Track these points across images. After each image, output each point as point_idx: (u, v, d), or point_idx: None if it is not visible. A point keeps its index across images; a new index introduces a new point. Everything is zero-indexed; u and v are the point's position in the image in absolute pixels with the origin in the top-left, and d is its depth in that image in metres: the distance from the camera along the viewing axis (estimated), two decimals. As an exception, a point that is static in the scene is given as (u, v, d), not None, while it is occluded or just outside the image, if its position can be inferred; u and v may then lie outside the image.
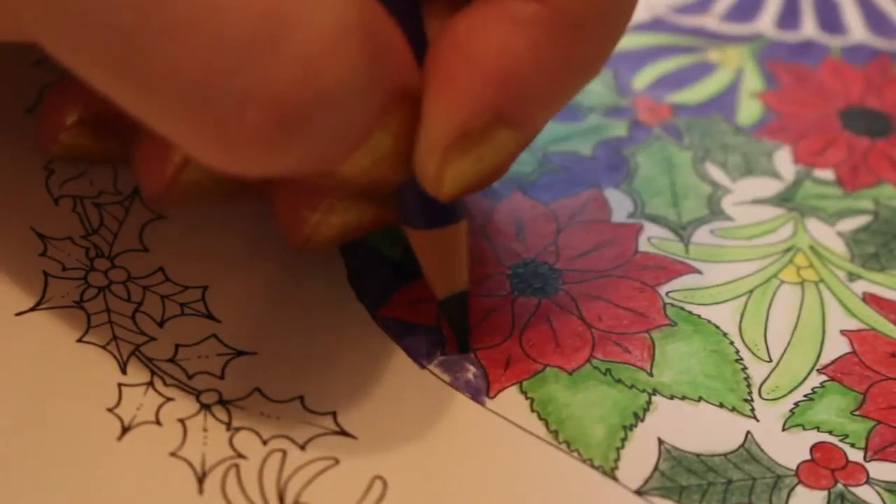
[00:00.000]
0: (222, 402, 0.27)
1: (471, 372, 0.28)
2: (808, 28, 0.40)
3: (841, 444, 0.28)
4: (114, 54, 0.21)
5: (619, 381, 0.28)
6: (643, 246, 0.32)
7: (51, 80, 0.33)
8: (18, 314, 0.28)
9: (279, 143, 0.22)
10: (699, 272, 0.31)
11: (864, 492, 0.27)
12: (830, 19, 0.41)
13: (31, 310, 0.28)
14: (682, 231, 0.32)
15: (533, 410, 0.28)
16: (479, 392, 0.28)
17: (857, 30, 0.40)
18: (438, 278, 0.28)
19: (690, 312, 0.30)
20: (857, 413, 0.28)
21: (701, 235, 0.32)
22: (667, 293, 0.31)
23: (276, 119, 0.21)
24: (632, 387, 0.28)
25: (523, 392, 0.28)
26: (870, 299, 0.31)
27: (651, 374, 0.29)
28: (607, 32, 0.25)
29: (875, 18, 0.41)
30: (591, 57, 0.25)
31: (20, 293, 0.29)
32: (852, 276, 0.32)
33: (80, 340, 0.28)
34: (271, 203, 0.27)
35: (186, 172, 0.26)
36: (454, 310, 0.28)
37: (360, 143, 0.23)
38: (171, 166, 0.26)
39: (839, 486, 0.27)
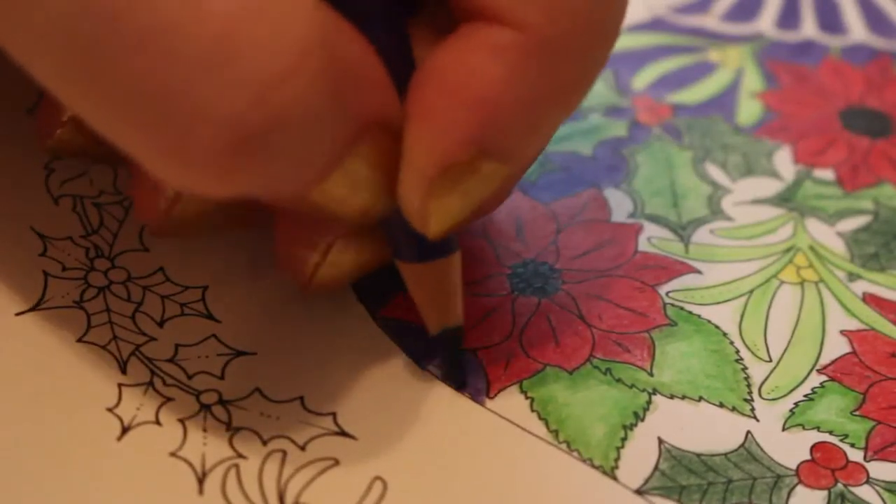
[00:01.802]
0: (222, 403, 0.27)
1: (471, 371, 0.28)
2: (808, 28, 0.40)
3: (841, 444, 0.28)
4: (74, 63, 0.21)
5: (619, 380, 0.28)
6: (643, 246, 0.32)
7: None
8: (18, 314, 0.28)
9: (234, 164, 0.21)
10: (699, 272, 0.31)
11: (864, 492, 0.27)
12: (830, 19, 0.41)
13: (31, 310, 0.28)
14: (682, 231, 0.32)
15: (533, 410, 0.28)
16: (479, 392, 0.28)
17: (857, 30, 0.40)
18: (431, 312, 0.27)
19: (690, 312, 0.30)
20: (857, 413, 0.28)
21: (701, 235, 0.32)
22: (667, 293, 0.31)
23: (229, 139, 0.21)
24: (632, 386, 0.28)
25: (523, 392, 0.28)
26: (870, 299, 0.31)
27: (651, 374, 0.29)
28: (588, 59, 0.25)
29: (875, 18, 0.41)
30: (573, 84, 0.25)
31: (20, 293, 0.29)
32: (852, 276, 0.32)
33: (80, 340, 0.28)
34: (274, 241, 0.27)
35: (181, 205, 0.26)
36: (447, 345, 0.28)
37: (328, 170, 0.23)
38: (163, 199, 0.26)
39: (839, 485, 0.27)
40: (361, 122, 0.23)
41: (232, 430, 0.27)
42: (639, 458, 0.27)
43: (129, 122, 0.21)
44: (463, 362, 0.28)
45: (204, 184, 0.22)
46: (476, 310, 0.29)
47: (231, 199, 0.23)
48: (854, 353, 0.30)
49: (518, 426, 0.27)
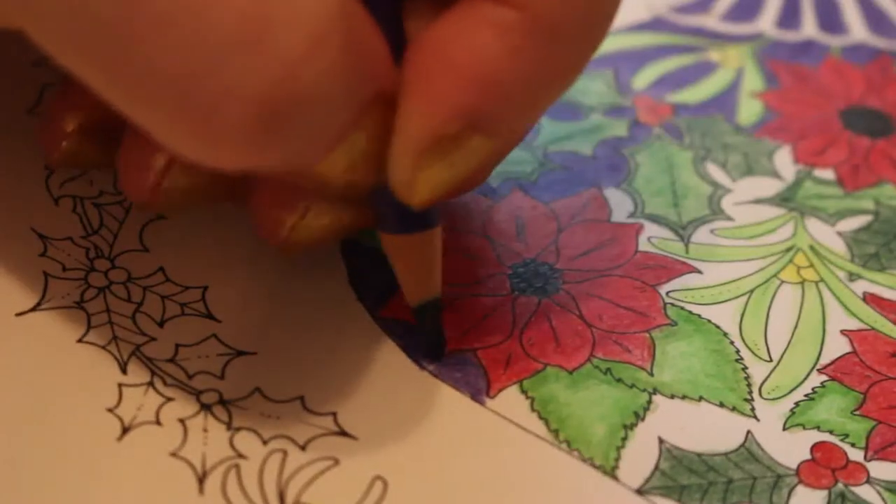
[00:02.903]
0: (223, 402, 0.27)
1: (471, 371, 0.28)
2: (809, 28, 0.40)
3: (841, 444, 0.28)
4: (97, 46, 0.21)
5: (619, 380, 0.28)
6: (643, 245, 0.32)
7: (51, 80, 0.33)
8: (19, 314, 0.28)
9: (258, 141, 0.22)
10: (699, 272, 0.31)
11: (864, 491, 0.27)
12: (831, 19, 0.41)
13: (32, 310, 0.28)
14: (682, 231, 0.32)
15: (533, 410, 0.28)
16: (480, 392, 0.28)
17: (857, 29, 0.40)
18: (411, 285, 0.27)
19: (691, 312, 0.30)
20: (857, 413, 0.28)
21: (701, 235, 0.32)
22: (667, 293, 0.31)
23: (255, 117, 0.21)
24: (632, 386, 0.28)
25: (524, 391, 0.28)
26: (870, 299, 0.31)
27: (651, 374, 0.29)
28: (586, 40, 0.25)
29: (875, 18, 0.41)
30: (569, 64, 0.25)
31: (20, 293, 0.28)
32: (853, 276, 0.32)
33: (80, 341, 0.28)
34: (249, 204, 0.27)
35: (169, 178, 0.26)
36: (427, 317, 0.28)
37: (337, 144, 0.23)
38: (152, 173, 0.26)
39: (840, 485, 0.27)
40: (369, 96, 0.23)
41: (232, 429, 0.27)
42: (639, 458, 0.27)
43: (153, 103, 0.22)
44: (441, 335, 0.28)
45: (224, 159, 0.22)
46: (476, 310, 0.29)
47: (240, 172, 0.23)
48: (854, 352, 0.30)
49: (518, 426, 0.27)
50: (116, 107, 0.22)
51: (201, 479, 0.26)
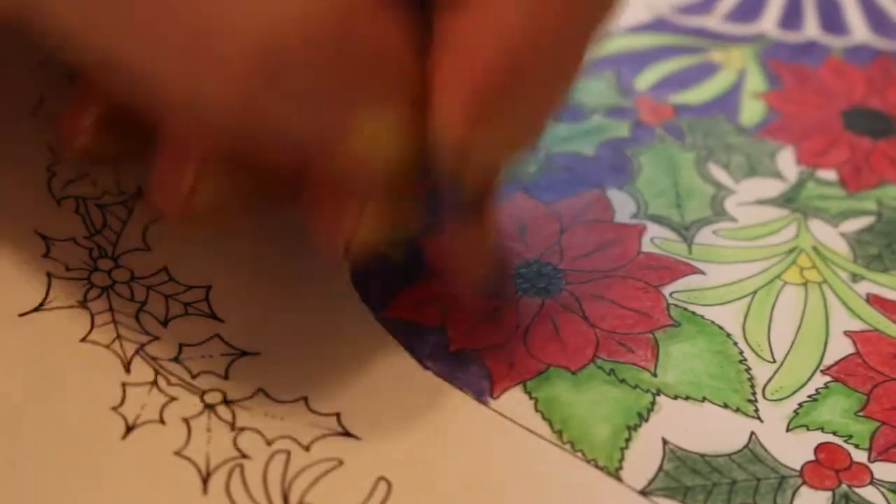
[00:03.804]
0: (226, 402, 0.27)
1: (474, 372, 0.28)
2: (811, 28, 0.40)
3: (845, 445, 0.28)
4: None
5: (622, 381, 0.28)
6: (646, 246, 0.32)
7: (54, 83, 0.33)
8: (22, 315, 0.28)
9: (263, 83, 0.22)
10: (702, 273, 0.31)
11: (868, 492, 0.27)
12: (832, 20, 0.40)
13: (35, 310, 0.28)
14: (685, 232, 0.32)
15: (537, 410, 0.28)
16: (483, 392, 0.28)
17: (859, 30, 0.40)
18: (471, 269, 0.27)
19: (694, 313, 0.30)
20: (861, 414, 0.28)
21: (704, 236, 0.32)
22: (670, 294, 0.31)
23: (263, 52, 0.22)
24: (636, 387, 0.28)
25: (527, 392, 0.28)
26: (873, 300, 0.31)
27: (655, 375, 0.29)
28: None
29: (877, 19, 0.41)
30: (597, 24, 0.25)
31: (23, 294, 0.28)
32: (856, 277, 0.32)
33: (83, 340, 0.28)
34: (304, 216, 0.27)
35: (200, 194, 0.26)
36: (497, 284, 0.28)
37: (343, 128, 0.23)
38: (186, 184, 0.26)
39: (843, 486, 0.27)
40: (388, 72, 0.23)
41: (236, 430, 0.27)
42: (643, 459, 0.27)
43: (161, 49, 0.22)
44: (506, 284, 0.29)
45: (233, 106, 0.22)
46: (480, 310, 0.29)
47: (255, 151, 0.23)
48: (858, 353, 0.30)
49: (522, 426, 0.27)
50: (128, 65, 0.23)
51: (205, 479, 0.26)
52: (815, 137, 0.36)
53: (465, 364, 0.28)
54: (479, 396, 0.28)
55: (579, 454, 0.27)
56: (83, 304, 0.29)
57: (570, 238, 0.32)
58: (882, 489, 0.27)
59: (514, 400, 0.28)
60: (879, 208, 0.34)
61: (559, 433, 0.27)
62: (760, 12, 0.40)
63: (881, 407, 0.28)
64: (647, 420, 0.28)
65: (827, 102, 0.37)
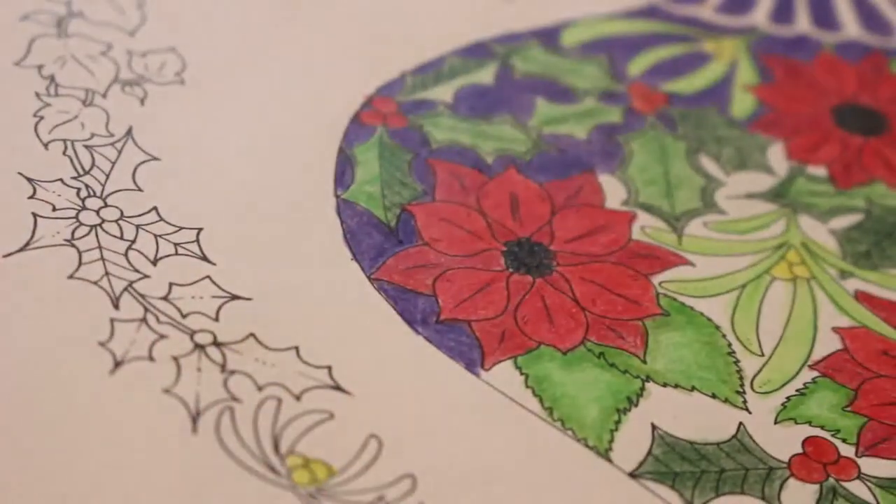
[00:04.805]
0: (217, 344, 0.27)
1: (465, 342, 0.28)
2: (802, 23, 0.40)
3: (833, 439, 0.28)
4: None
5: (612, 365, 0.28)
6: (637, 234, 0.32)
7: (39, 33, 0.32)
8: (6, 255, 0.27)
9: None
10: (692, 264, 0.31)
11: (855, 487, 0.27)
12: (824, 15, 0.40)
13: (20, 250, 0.28)
14: (675, 222, 0.32)
15: (527, 387, 0.27)
16: (474, 363, 0.28)
17: (850, 26, 0.40)
18: None
19: (683, 304, 0.30)
20: (848, 409, 0.28)
21: (694, 227, 0.32)
22: (660, 283, 0.30)
23: None
24: (625, 372, 0.28)
25: (518, 367, 0.28)
26: (862, 297, 0.31)
27: (644, 361, 0.28)
28: None
29: (868, 15, 0.41)
30: None
31: (8, 235, 0.28)
32: (844, 274, 0.32)
33: (71, 277, 0.27)
34: None
35: None
36: None
37: None
38: None
39: (831, 480, 0.27)
40: None
41: (226, 372, 0.26)
42: (632, 442, 0.27)
43: None
44: None
45: None
46: (471, 282, 0.29)
47: None
48: (846, 350, 0.30)
49: (513, 400, 0.27)
50: None
51: (195, 418, 0.25)
52: (806, 133, 0.36)
53: (456, 334, 0.28)
54: (470, 367, 0.28)
55: (569, 433, 0.27)
56: (70, 242, 0.28)
57: (562, 220, 0.31)
58: (869, 483, 0.27)
59: (504, 374, 0.28)
60: (869, 206, 0.34)
61: (549, 410, 0.27)
62: (753, 5, 0.40)
63: (869, 403, 0.29)
64: (636, 405, 0.28)
65: (818, 98, 0.37)
